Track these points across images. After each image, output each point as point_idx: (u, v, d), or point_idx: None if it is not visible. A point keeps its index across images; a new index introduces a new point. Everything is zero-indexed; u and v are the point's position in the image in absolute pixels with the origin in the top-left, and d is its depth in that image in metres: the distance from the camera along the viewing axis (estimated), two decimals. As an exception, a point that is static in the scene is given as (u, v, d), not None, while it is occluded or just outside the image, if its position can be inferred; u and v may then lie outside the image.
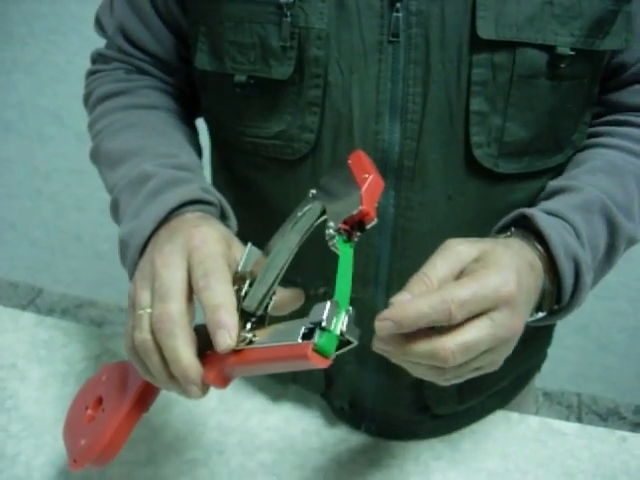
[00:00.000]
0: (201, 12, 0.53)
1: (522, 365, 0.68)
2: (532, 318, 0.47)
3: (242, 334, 0.39)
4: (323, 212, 0.43)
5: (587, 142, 0.57)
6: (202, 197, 0.49)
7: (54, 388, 0.70)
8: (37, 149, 1.88)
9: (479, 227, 0.52)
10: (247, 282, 0.41)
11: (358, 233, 0.42)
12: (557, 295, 0.48)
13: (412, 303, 0.38)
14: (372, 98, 0.50)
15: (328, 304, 0.36)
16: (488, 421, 0.67)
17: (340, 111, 0.50)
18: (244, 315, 0.40)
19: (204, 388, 0.40)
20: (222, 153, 0.62)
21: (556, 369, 1.73)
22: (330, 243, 0.41)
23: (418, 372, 0.41)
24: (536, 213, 0.48)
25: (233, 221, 0.52)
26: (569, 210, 0.49)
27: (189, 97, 0.65)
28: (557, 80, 0.50)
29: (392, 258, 0.55)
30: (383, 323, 0.39)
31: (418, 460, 0.63)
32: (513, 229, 0.49)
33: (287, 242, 0.41)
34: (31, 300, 2.12)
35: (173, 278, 0.41)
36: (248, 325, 0.40)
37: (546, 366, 0.76)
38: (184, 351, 0.39)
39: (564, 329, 1.66)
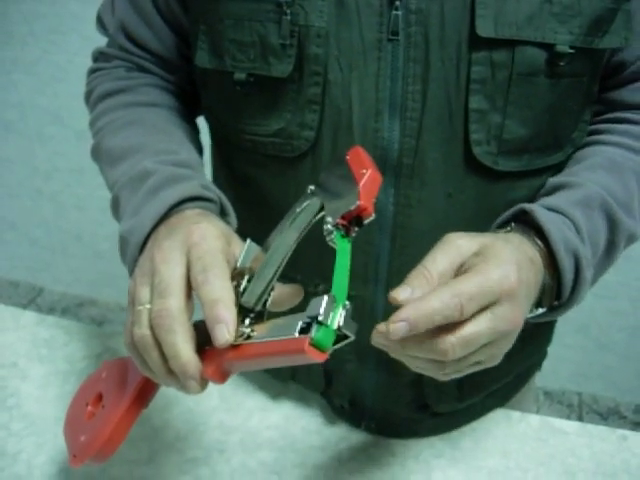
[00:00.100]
0: (201, 10, 0.53)
1: (522, 363, 0.69)
2: (532, 314, 0.47)
3: (240, 329, 0.39)
4: (322, 208, 0.43)
5: (587, 139, 0.57)
6: (202, 194, 0.49)
7: (55, 387, 0.70)
8: (37, 149, 1.88)
9: (478, 225, 0.52)
10: (246, 278, 0.41)
11: (356, 228, 0.42)
12: (557, 291, 0.48)
13: (423, 301, 0.38)
14: (371, 96, 0.50)
15: (325, 298, 0.36)
16: (489, 419, 0.68)
17: (340, 109, 0.50)
18: (243, 311, 0.40)
19: (203, 383, 0.40)
20: (222, 151, 0.62)
21: (557, 368, 1.73)
22: (328, 238, 0.41)
23: (417, 366, 0.41)
24: (536, 208, 0.48)
25: (233, 218, 0.53)
26: (569, 206, 0.49)
27: (190, 95, 0.65)
28: (556, 78, 0.50)
29: (392, 256, 0.55)
30: (398, 325, 0.37)
31: (419, 458, 0.63)
32: (513, 224, 0.49)
33: (286, 238, 0.41)
34: (32, 299, 2.12)
35: (172, 274, 0.41)
36: (247, 321, 0.40)
37: (547, 365, 0.76)
38: (183, 347, 0.39)
39: (564, 328, 1.66)
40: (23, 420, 0.66)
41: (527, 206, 0.49)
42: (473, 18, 0.47)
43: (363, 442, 0.65)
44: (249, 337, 0.39)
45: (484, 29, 0.47)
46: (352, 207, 0.41)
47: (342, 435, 0.66)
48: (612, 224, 0.51)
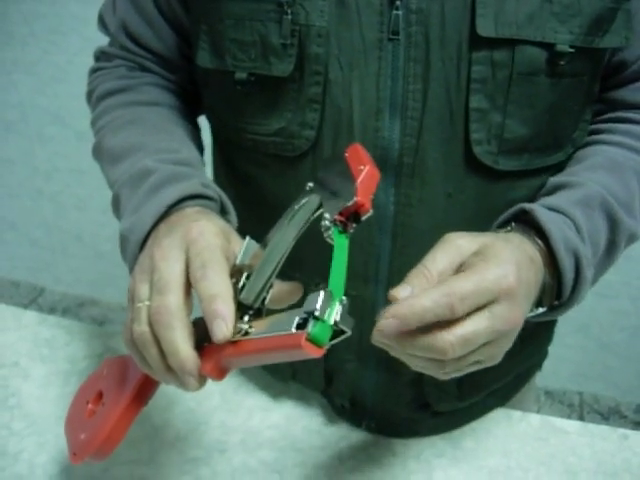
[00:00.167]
0: (202, 10, 0.53)
1: (523, 363, 0.69)
2: (532, 313, 0.47)
3: (238, 325, 0.39)
4: (320, 205, 0.43)
5: (588, 139, 0.57)
6: (202, 192, 0.49)
7: (56, 386, 0.70)
8: (37, 149, 1.88)
9: (479, 224, 0.52)
10: (244, 275, 0.41)
11: (354, 224, 0.42)
12: (558, 290, 0.48)
13: (415, 299, 0.38)
14: (372, 95, 0.50)
15: (322, 294, 0.36)
16: (489, 419, 0.68)
17: (340, 108, 0.50)
18: (241, 308, 0.40)
19: (201, 380, 0.40)
20: (223, 150, 0.62)
21: (557, 368, 1.73)
22: (326, 234, 0.41)
23: (418, 365, 0.41)
24: (536, 208, 0.48)
25: (233, 216, 0.53)
26: (569, 205, 0.49)
27: (191, 94, 0.65)
28: (557, 78, 0.50)
29: (392, 255, 0.55)
30: (388, 321, 0.38)
31: (419, 458, 0.63)
32: (513, 224, 0.49)
33: (284, 235, 0.41)
34: (33, 299, 2.12)
35: (171, 271, 0.41)
36: (246, 318, 0.40)
37: (547, 365, 0.76)
38: (181, 343, 0.39)
39: (565, 328, 1.66)
40: (24, 420, 0.66)
41: (527, 206, 0.49)
42: (473, 18, 0.47)
43: (364, 441, 0.65)
44: (247, 333, 0.39)
45: (484, 29, 0.47)
46: (350, 203, 0.41)
47: (343, 434, 0.66)
48: (613, 224, 0.51)
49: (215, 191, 0.51)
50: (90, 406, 0.48)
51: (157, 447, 0.64)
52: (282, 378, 0.69)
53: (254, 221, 0.54)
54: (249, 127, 0.54)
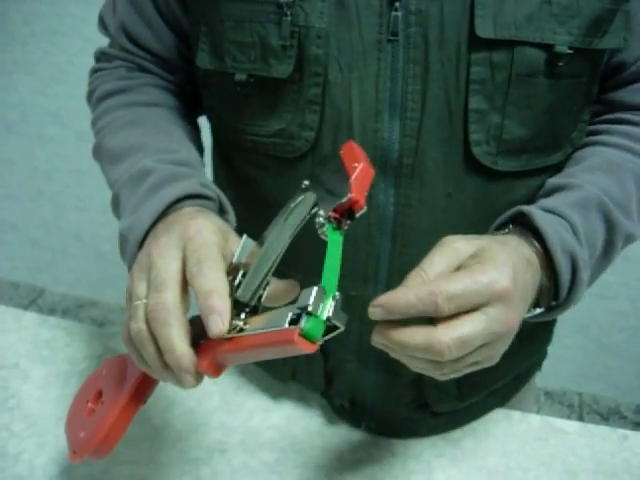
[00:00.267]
0: (202, 12, 0.53)
1: (522, 363, 0.69)
2: (530, 314, 0.48)
3: (233, 322, 0.39)
4: (316, 203, 0.43)
5: (586, 140, 0.58)
6: (201, 192, 0.49)
7: (56, 387, 0.70)
8: (38, 149, 1.89)
9: (478, 225, 0.52)
10: (240, 273, 0.42)
11: (348, 221, 0.42)
12: (554, 291, 0.48)
13: (401, 292, 0.40)
14: (371, 96, 0.50)
15: (315, 289, 0.36)
16: (489, 419, 0.68)
17: (340, 109, 0.51)
18: (238, 305, 0.40)
19: (198, 377, 0.41)
20: (223, 151, 0.63)
21: (557, 369, 1.73)
22: (320, 231, 0.41)
23: (417, 366, 0.42)
24: (533, 210, 0.48)
25: (232, 216, 0.53)
26: (566, 207, 0.50)
27: (190, 95, 0.65)
28: (555, 78, 0.50)
29: (392, 256, 0.55)
30: (375, 309, 0.40)
31: (419, 458, 0.64)
32: (511, 226, 0.50)
33: (281, 233, 0.42)
34: (33, 300, 2.12)
35: (168, 269, 0.41)
36: (242, 315, 0.40)
37: (547, 366, 0.76)
38: (178, 340, 0.39)
39: (565, 329, 1.66)
40: (24, 421, 0.66)
41: (525, 208, 0.49)
42: (472, 19, 0.47)
43: (364, 442, 0.65)
44: (241, 330, 0.39)
45: (483, 30, 0.47)
46: (344, 200, 0.41)
47: (343, 435, 0.66)
48: (609, 225, 0.51)
49: (214, 191, 0.51)
50: (90, 405, 0.48)
51: (157, 448, 0.64)
52: (282, 379, 0.69)
53: (253, 221, 0.54)
54: (249, 128, 0.55)
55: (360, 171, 0.42)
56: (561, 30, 0.48)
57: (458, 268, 0.42)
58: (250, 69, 0.51)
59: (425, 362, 0.41)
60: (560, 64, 0.49)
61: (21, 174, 1.94)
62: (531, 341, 0.65)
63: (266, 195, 0.58)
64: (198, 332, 0.40)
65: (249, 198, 0.60)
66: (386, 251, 0.55)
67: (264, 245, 0.42)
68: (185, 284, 0.41)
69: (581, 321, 1.65)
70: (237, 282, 0.41)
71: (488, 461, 0.63)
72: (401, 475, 0.62)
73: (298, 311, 0.36)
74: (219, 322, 0.38)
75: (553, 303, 0.49)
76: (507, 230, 0.49)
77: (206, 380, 0.42)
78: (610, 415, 1.73)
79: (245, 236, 0.44)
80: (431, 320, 0.40)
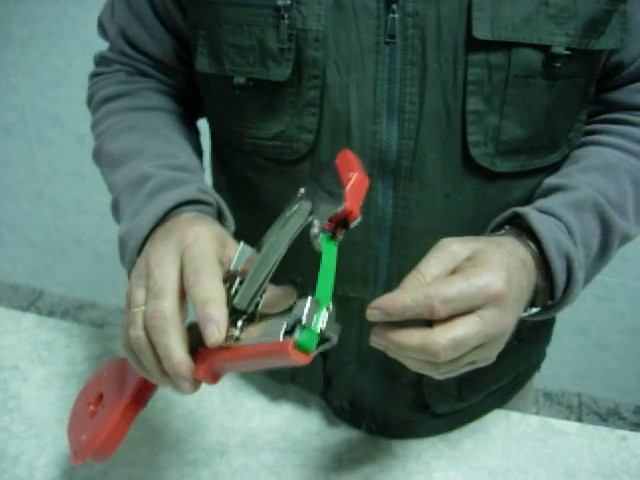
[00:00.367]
0: (200, 16, 0.53)
1: (521, 363, 0.69)
2: (526, 313, 0.48)
3: (230, 331, 0.39)
4: (312, 211, 0.43)
5: (584, 139, 0.58)
6: (199, 197, 0.50)
7: (56, 389, 0.70)
8: (37, 152, 1.89)
9: (477, 225, 0.52)
10: (237, 280, 0.42)
11: (343, 231, 0.43)
12: (550, 291, 0.48)
13: (399, 295, 0.40)
14: (369, 98, 0.50)
15: (308, 302, 0.37)
16: (489, 420, 0.68)
17: (338, 111, 0.51)
18: (235, 313, 0.41)
19: (195, 384, 0.41)
20: (222, 153, 0.63)
21: (556, 370, 1.73)
22: (314, 242, 0.42)
23: (414, 366, 0.43)
24: (529, 211, 0.49)
25: (230, 221, 0.53)
26: (562, 208, 0.50)
27: (190, 98, 0.65)
28: (553, 79, 0.50)
29: (391, 257, 0.55)
30: (372, 311, 0.41)
31: (419, 459, 0.64)
32: (507, 227, 0.50)
33: (277, 242, 0.42)
34: (32, 302, 2.12)
35: (166, 276, 0.41)
36: (239, 323, 0.40)
37: (546, 367, 0.76)
38: (176, 348, 0.40)
39: (564, 330, 1.66)
40: (24, 422, 0.66)
41: (520, 209, 0.50)
42: (470, 20, 0.47)
43: (364, 443, 0.65)
44: (238, 339, 0.39)
45: (481, 31, 0.47)
46: (338, 210, 0.41)
47: (343, 436, 0.66)
48: (605, 226, 0.52)
49: (212, 196, 0.52)
50: (91, 407, 0.49)
51: (157, 449, 0.64)
52: (281, 380, 0.69)
53: (252, 224, 0.54)
54: (248, 131, 0.55)
55: (355, 181, 0.42)
56: (558, 31, 0.48)
57: (454, 270, 0.43)
58: (249, 72, 0.51)
59: (422, 362, 0.42)
60: (557, 65, 0.49)
61: (20, 176, 1.94)
62: (530, 341, 0.65)
63: (265, 198, 0.58)
64: (196, 338, 0.41)
65: (248, 201, 0.60)
66: (385, 253, 0.55)
67: (261, 253, 0.42)
68: (183, 292, 0.42)
69: (580, 322, 1.65)
70: (234, 289, 0.41)
71: (487, 462, 0.63)
72: (400, 476, 0.62)
73: (292, 322, 0.37)
74: (216, 331, 0.38)
75: (549, 302, 0.49)
76: (503, 231, 0.49)
77: (205, 382, 0.42)
78: (609, 416, 1.73)
79: (242, 243, 0.45)
80: (429, 321, 0.41)
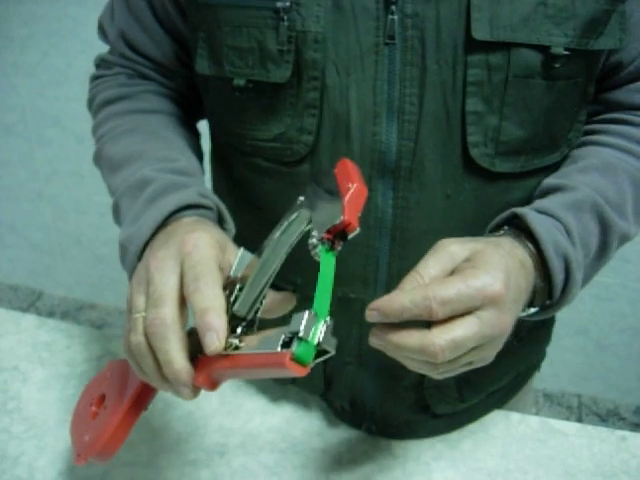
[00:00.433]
0: (200, 18, 0.53)
1: (521, 363, 0.69)
2: (525, 313, 0.48)
3: (229, 339, 0.40)
4: (310, 220, 0.43)
5: (583, 139, 0.58)
6: (199, 202, 0.50)
7: (56, 390, 0.70)
8: (37, 152, 1.89)
9: (477, 226, 0.52)
10: (237, 287, 0.42)
11: (341, 242, 0.43)
12: (548, 291, 0.49)
13: (397, 296, 0.41)
14: (369, 99, 0.50)
15: (306, 315, 0.37)
16: (488, 421, 0.68)
17: (338, 113, 0.51)
18: (234, 319, 0.41)
19: (195, 390, 0.41)
20: (222, 155, 0.63)
21: (556, 370, 1.73)
22: (313, 252, 0.42)
23: (413, 366, 0.43)
24: (527, 212, 0.49)
25: (230, 224, 0.53)
26: (560, 209, 0.50)
27: (190, 101, 0.66)
28: (552, 80, 0.50)
29: (391, 258, 0.55)
30: (371, 312, 0.42)
31: (419, 460, 0.64)
32: (506, 228, 0.50)
33: (276, 249, 0.42)
34: (31, 303, 2.12)
35: (166, 283, 0.41)
36: (239, 329, 0.41)
37: (546, 367, 0.76)
38: (176, 354, 0.40)
39: (564, 330, 1.66)
40: (24, 423, 0.66)
41: (519, 210, 0.50)
42: (469, 21, 0.47)
43: (364, 444, 0.65)
44: (237, 348, 0.39)
45: (480, 32, 0.47)
46: (336, 222, 0.41)
47: (343, 437, 0.66)
48: (604, 226, 0.52)
49: (212, 200, 0.52)
50: (93, 408, 0.49)
51: (157, 450, 0.64)
52: (282, 381, 0.69)
53: (252, 225, 0.54)
54: (248, 133, 0.55)
55: (353, 192, 0.42)
56: (557, 31, 0.48)
57: (453, 271, 0.43)
58: (248, 74, 0.51)
59: (420, 362, 0.42)
60: (556, 65, 0.49)
61: (20, 176, 1.94)
62: (530, 341, 0.65)
63: (264, 199, 0.58)
64: (196, 345, 0.41)
65: (247, 201, 0.60)
66: (385, 253, 0.55)
67: (260, 261, 0.42)
68: (183, 298, 0.42)
69: (580, 322, 1.66)
70: (234, 296, 0.42)
71: (487, 463, 0.63)
72: (400, 477, 0.62)
73: (290, 335, 0.37)
74: (215, 340, 0.38)
75: (547, 302, 0.49)
76: (502, 232, 0.50)
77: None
78: (609, 416, 1.73)
79: (242, 249, 0.45)
80: (428, 322, 0.41)
